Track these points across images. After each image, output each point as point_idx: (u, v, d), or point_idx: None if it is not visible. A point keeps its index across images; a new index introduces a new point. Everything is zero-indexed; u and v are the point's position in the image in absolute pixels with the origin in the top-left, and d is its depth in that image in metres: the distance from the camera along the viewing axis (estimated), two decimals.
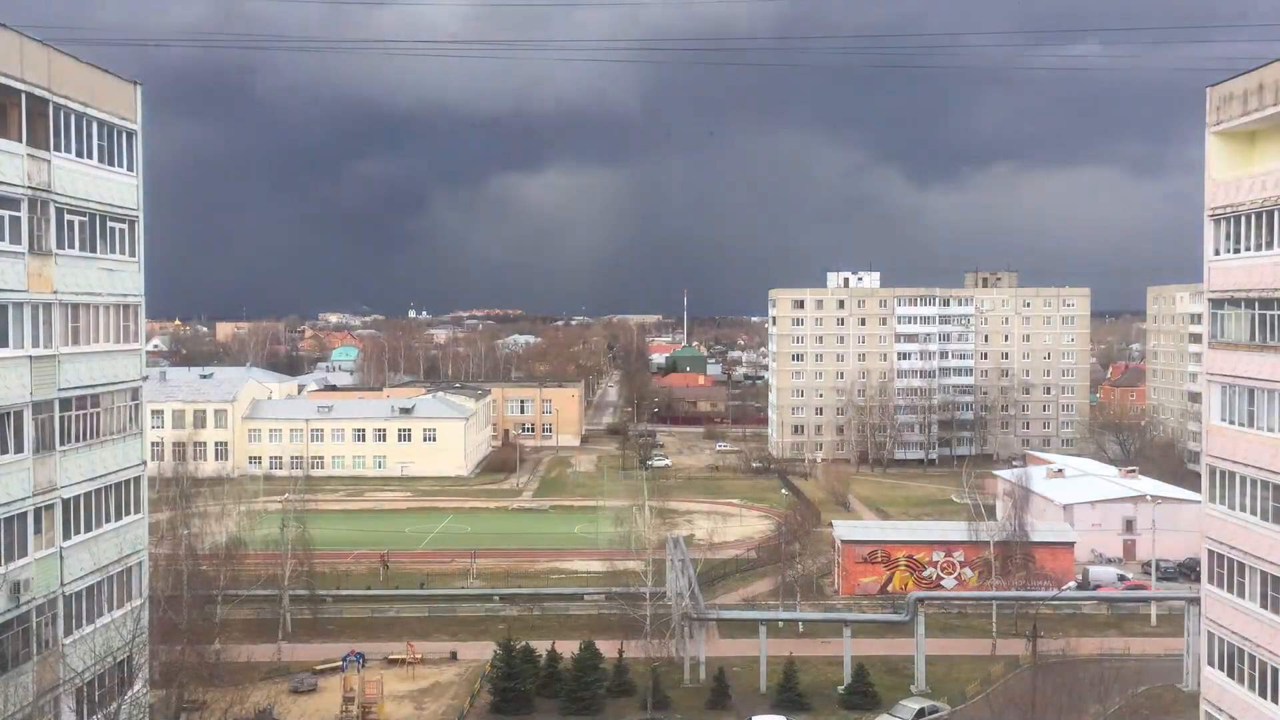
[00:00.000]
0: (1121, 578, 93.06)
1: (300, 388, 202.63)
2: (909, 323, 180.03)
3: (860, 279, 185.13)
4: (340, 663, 67.77)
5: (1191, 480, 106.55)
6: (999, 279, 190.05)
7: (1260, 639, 42.17)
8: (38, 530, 37.94)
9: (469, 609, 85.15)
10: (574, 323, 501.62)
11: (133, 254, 44.18)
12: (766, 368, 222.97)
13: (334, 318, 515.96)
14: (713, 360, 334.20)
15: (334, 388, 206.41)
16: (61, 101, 39.01)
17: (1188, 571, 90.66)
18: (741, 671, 68.41)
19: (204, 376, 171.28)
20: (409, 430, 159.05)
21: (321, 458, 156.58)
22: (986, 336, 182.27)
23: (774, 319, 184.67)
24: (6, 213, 36.18)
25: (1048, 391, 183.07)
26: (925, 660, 67.88)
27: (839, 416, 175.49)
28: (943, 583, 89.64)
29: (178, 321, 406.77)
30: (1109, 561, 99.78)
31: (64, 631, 39.44)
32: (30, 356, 37.31)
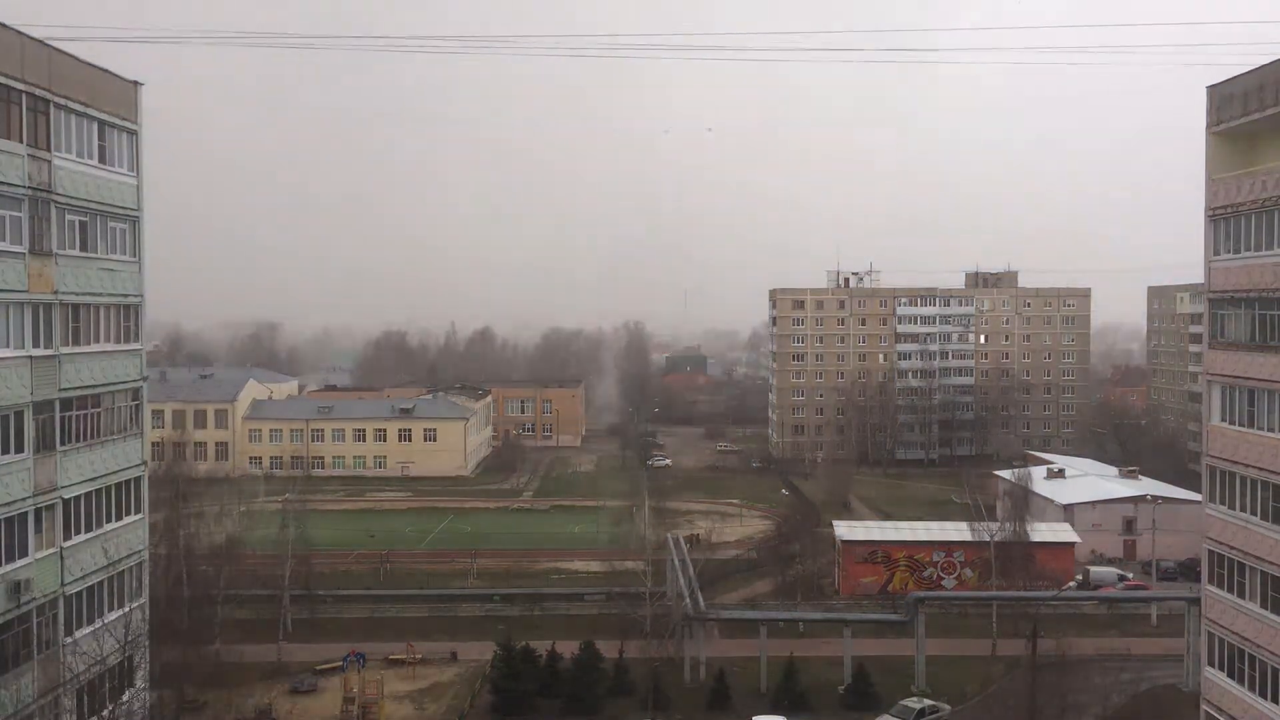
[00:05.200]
0: (1122, 578, 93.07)
1: (301, 388, 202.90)
2: (909, 323, 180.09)
3: (860, 279, 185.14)
4: (340, 663, 67.76)
5: (1192, 480, 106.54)
6: (999, 279, 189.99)
7: (1260, 639, 42.20)
8: (38, 530, 38.00)
9: (469, 609, 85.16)
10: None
11: (133, 254, 44.24)
12: (767, 368, 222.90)
13: None
14: (713, 360, 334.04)
15: (334, 388, 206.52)
16: (62, 102, 39.06)
17: (1188, 571, 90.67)
18: (742, 671, 68.38)
19: (204, 376, 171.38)
20: (409, 430, 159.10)
21: (322, 458, 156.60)
22: (986, 337, 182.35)
23: (774, 319, 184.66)
24: (7, 213, 36.23)
25: (1048, 392, 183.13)
26: (925, 660, 67.89)
27: (839, 417, 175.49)
28: (943, 583, 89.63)
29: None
30: (1109, 561, 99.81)
31: (64, 632, 39.47)
32: (31, 357, 37.35)
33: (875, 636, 73.40)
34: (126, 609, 43.46)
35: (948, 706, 63.40)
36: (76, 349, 40.10)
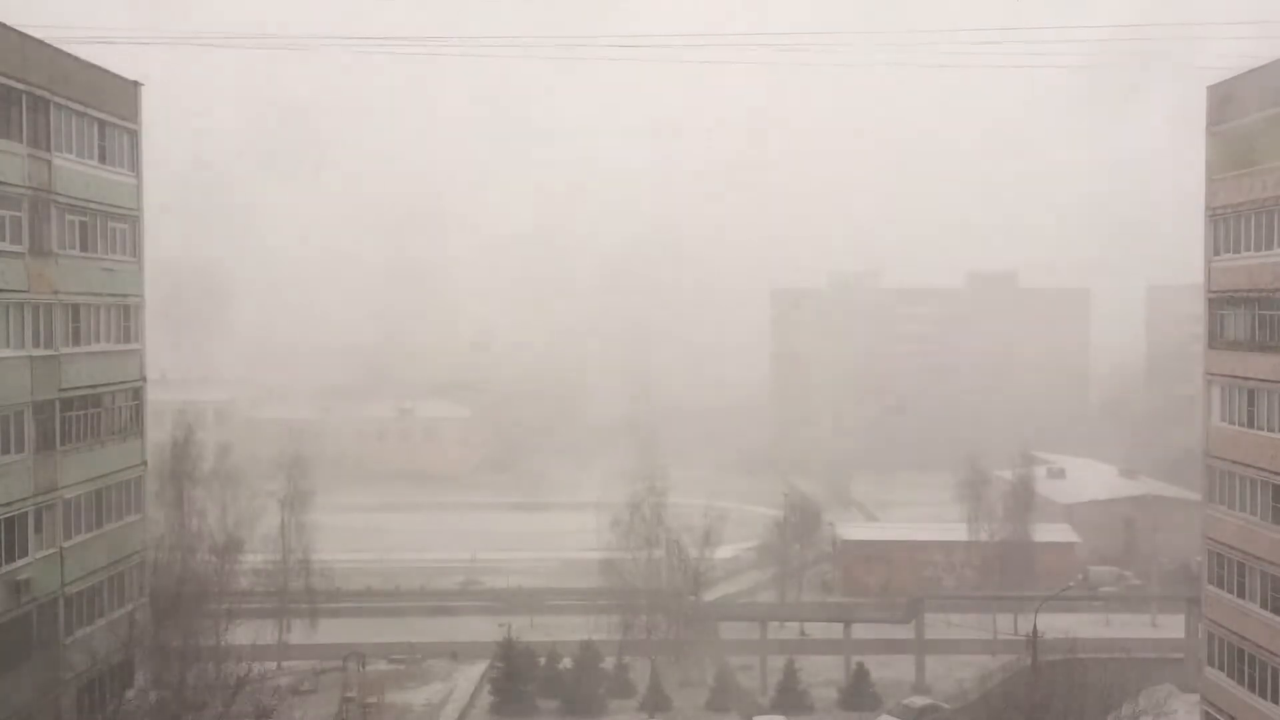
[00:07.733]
0: (1122, 578, 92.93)
1: None
2: (910, 322, 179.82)
3: (861, 279, 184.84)
4: (340, 663, 67.73)
5: (1193, 480, 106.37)
6: (998, 279, 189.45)
7: (1260, 639, 42.22)
8: (38, 530, 38.04)
9: (469, 609, 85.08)
10: None
11: (133, 254, 44.33)
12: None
13: None
14: None
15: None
16: (62, 102, 39.07)
17: (1188, 571, 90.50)
18: (741, 671, 68.41)
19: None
20: (410, 429, 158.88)
21: (323, 457, 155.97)
22: (986, 337, 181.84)
23: (775, 318, 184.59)
24: (8, 213, 36.28)
25: (1049, 392, 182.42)
26: (925, 660, 67.90)
27: (841, 415, 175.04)
28: (943, 582, 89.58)
29: None
30: (1109, 562, 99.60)
31: (64, 632, 39.51)
32: (31, 357, 37.38)
33: (875, 636, 73.33)
34: (126, 609, 43.52)
35: (947, 706, 63.41)
36: (76, 349, 40.16)
